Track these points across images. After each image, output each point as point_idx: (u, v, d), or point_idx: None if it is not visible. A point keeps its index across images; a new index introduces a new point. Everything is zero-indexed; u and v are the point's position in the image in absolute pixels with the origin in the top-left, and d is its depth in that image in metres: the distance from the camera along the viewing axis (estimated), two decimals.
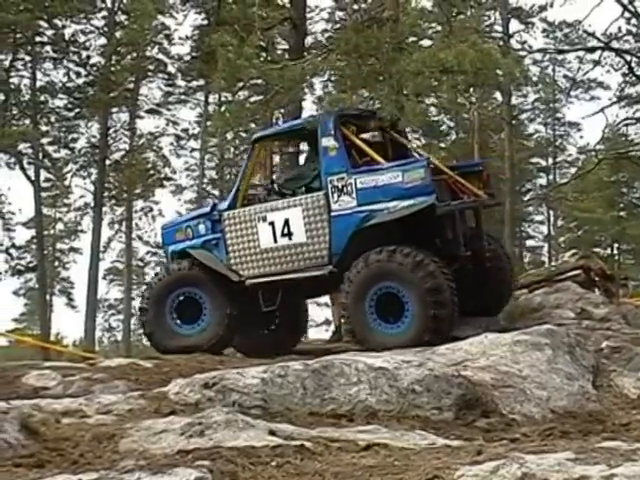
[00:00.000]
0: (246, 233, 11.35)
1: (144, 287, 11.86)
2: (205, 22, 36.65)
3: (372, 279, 10.43)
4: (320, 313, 54.72)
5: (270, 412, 6.56)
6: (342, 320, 11.52)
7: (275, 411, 6.61)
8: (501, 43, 34.63)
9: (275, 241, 11.08)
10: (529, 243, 52.21)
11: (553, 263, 42.84)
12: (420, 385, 6.93)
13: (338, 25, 34.05)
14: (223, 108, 31.80)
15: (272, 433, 5.56)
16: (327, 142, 10.81)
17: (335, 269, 10.77)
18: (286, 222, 10.96)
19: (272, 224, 11.08)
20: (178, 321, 11.65)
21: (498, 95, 38.51)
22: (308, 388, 6.90)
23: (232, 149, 39.19)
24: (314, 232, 10.87)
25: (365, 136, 11.68)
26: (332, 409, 6.77)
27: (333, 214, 10.71)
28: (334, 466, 4.82)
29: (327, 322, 53.78)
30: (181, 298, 11.64)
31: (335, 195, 10.65)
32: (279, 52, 27.40)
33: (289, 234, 10.95)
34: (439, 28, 22.35)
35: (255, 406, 6.64)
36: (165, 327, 11.63)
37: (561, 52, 38.95)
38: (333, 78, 28.73)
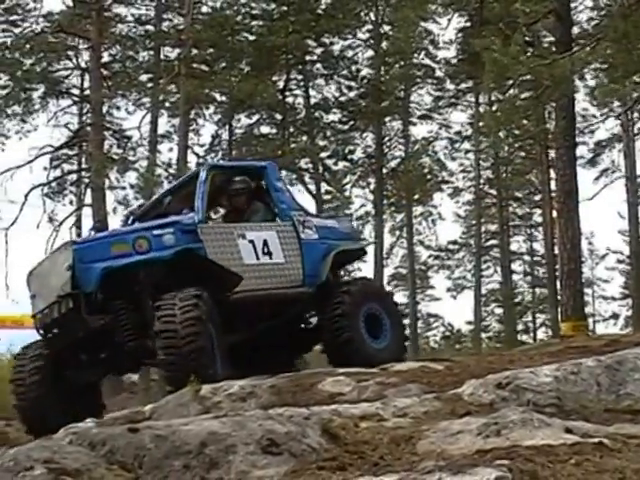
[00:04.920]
0: (229, 248, 11.28)
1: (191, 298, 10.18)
2: (468, 24, 36.62)
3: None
4: (607, 307, 53.24)
5: (564, 410, 6.51)
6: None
7: (569, 409, 6.56)
8: None
9: (257, 258, 11.52)
10: None
11: None
12: None
13: (604, 12, 33.12)
14: (495, 107, 31.72)
15: (568, 431, 5.53)
16: (282, 185, 12.48)
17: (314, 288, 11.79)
18: (265, 242, 11.63)
19: (252, 242, 11.55)
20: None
21: None
22: (602, 384, 6.83)
23: (506, 147, 38.83)
24: (289, 254, 11.82)
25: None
26: (628, 405, 6.67)
27: (302, 241, 11.92)
28: (634, 463, 4.75)
29: (614, 316, 52.29)
30: None
31: (300, 227, 11.99)
32: (545, 46, 27.00)
33: (269, 253, 11.65)
34: None
35: (549, 404, 6.62)
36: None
37: None
38: (603, 66, 27.99)
